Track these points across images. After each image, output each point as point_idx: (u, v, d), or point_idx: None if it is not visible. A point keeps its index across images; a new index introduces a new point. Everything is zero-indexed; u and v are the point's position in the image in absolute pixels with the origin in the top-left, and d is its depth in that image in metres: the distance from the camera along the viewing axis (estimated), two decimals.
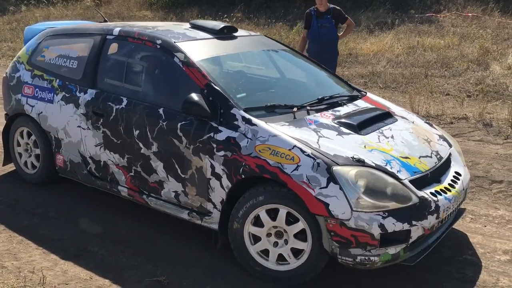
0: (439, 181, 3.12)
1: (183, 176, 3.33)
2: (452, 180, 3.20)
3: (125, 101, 3.61)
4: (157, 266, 3.25)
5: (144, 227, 3.75)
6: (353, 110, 3.51)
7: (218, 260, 3.31)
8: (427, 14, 12.37)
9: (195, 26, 4.02)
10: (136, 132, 3.52)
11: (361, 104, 3.71)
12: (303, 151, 2.87)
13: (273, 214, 2.98)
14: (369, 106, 3.71)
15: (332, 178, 2.76)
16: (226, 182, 3.11)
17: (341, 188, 2.73)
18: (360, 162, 2.86)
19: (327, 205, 2.73)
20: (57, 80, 4.09)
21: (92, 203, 4.11)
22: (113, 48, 3.91)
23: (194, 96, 3.17)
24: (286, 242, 2.98)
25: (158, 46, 3.61)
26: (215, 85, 3.26)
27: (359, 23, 11.78)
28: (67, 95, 3.97)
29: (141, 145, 3.51)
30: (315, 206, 2.76)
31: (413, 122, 3.67)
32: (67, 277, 3.13)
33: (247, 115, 3.11)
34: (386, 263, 2.81)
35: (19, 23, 14.43)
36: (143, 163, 3.54)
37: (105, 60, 3.90)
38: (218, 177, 3.14)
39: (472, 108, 6.49)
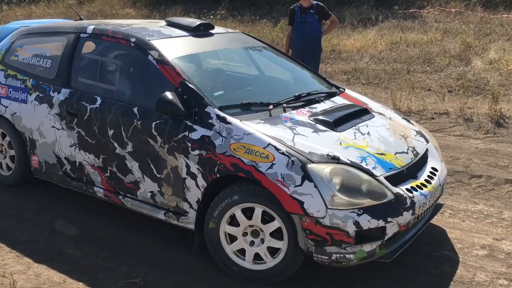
0: (415, 177, 3.11)
1: (158, 176, 3.29)
2: (428, 176, 3.19)
3: (99, 101, 3.55)
4: (133, 268, 3.21)
5: (120, 228, 3.70)
6: (330, 107, 3.49)
7: (195, 261, 3.26)
8: (411, 10, 12.41)
9: (171, 24, 3.96)
10: (110, 132, 3.46)
11: (338, 100, 3.68)
12: (277, 149, 2.84)
13: (248, 213, 2.95)
14: (347, 102, 3.68)
15: (307, 176, 2.73)
16: (201, 181, 3.07)
17: (315, 186, 2.70)
18: (335, 160, 2.83)
19: (302, 203, 2.70)
20: (31, 80, 4.02)
21: (68, 204, 4.04)
22: (87, 46, 3.85)
23: (168, 95, 3.12)
24: (262, 241, 2.95)
25: (133, 44, 3.55)
26: (189, 83, 3.22)
27: (343, 19, 11.78)
28: (40, 95, 3.90)
29: (116, 145, 3.46)
30: (290, 205, 2.73)
31: (390, 118, 3.65)
32: (39, 281, 3.07)
33: (221, 113, 3.07)
34: (362, 261, 2.79)
35: (0, 22, 14.22)
36: (119, 163, 3.48)
37: (79, 59, 3.83)
38: (193, 177, 3.10)
39: (453, 103, 6.51)
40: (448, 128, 5.85)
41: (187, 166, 3.11)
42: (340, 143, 3.01)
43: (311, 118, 3.21)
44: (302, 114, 3.26)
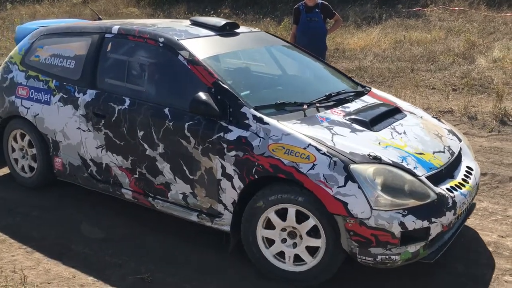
0: (452, 177, 3.09)
1: (191, 177, 3.24)
2: (465, 175, 3.17)
3: (127, 102, 3.50)
4: (142, 264, 3.21)
5: (135, 226, 3.68)
6: (362, 106, 3.45)
7: (208, 258, 3.27)
8: (414, 9, 12.41)
9: (196, 23, 3.92)
10: (140, 133, 3.42)
11: (368, 99, 3.65)
12: (318, 150, 2.80)
13: (283, 214, 2.91)
14: (377, 101, 3.66)
15: (350, 177, 2.70)
16: (238, 182, 3.03)
17: (359, 187, 2.67)
18: (377, 160, 2.80)
19: (345, 204, 2.67)
20: (54, 81, 3.96)
21: (78, 202, 4.05)
22: (112, 46, 3.79)
23: (202, 95, 3.08)
24: (299, 241, 2.91)
25: (161, 44, 3.50)
26: (223, 83, 3.18)
27: (347, 18, 11.77)
28: (65, 96, 3.84)
29: (146, 146, 3.41)
30: (333, 206, 2.70)
31: (421, 117, 3.63)
32: (49, 276, 3.07)
33: (258, 114, 3.03)
34: (407, 261, 2.76)
35: (4, 21, 14.11)
36: (149, 164, 3.43)
37: (104, 60, 3.78)
38: (229, 178, 3.06)
39: (457, 101, 6.52)
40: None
41: (223, 167, 3.07)
42: (379, 143, 2.98)
43: (346, 118, 3.18)
44: (337, 114, 3.23)
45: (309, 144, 2.83)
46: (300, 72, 4.20)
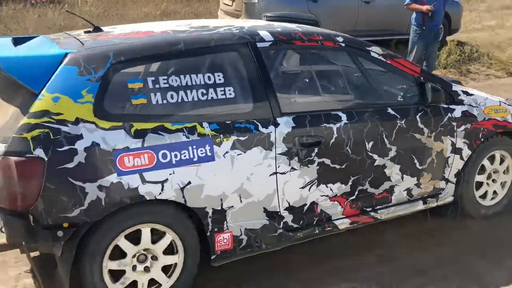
0: None
1: (420, 167, 3.27)
2: None
3: (343, 115, 2.93)
4: None
5: None
6: None
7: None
8: None
9: (286, 19, 3.43)
10: (369, 145, 3.02)
11: None
12: (504, 103, 3.65)
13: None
14: None
15: None
16: (466, 152, 3.41)
17: None
18: None
19: None
20: (205, 124, 2.58)
21: None
22: (278, 57, 2.89)
23: (433, 85, 3.18)
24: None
25: (343, 44, 3.06)
26: (425, 71, 3.32)
27: None
28: (242, 138, 2.64)
29: (375, 157, 3.06)
30: None
31: None
32: None
33: (464, 88, 3.45)
34: None
35: None
36: (374, 176, 3.11)
37: (276, 75, 2.84)
38: (458, 151, 3.38)
39: None
40: None
41: (453, 144, 3.35)
42: None
43: None
44: None
45: (499, 101, 3.62)
46: None
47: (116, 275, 2.55)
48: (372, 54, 3.15)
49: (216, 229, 2.69)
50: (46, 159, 2.27)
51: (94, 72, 2.44)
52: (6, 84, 2.49)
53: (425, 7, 5.79)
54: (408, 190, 3.28)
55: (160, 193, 2.47)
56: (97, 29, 2.93)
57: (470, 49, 8.52)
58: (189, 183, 2.54)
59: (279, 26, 3.17)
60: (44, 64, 2.41)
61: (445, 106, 3.31)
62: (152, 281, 2.63)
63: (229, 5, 8.29)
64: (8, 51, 2.60)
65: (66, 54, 2.47)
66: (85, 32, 2.91)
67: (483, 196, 3.64)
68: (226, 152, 2.61)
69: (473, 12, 12.62)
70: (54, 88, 2.36)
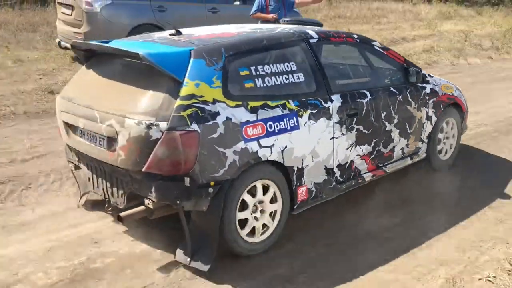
0: None
1: (409, 131, 4.41)
2: None
3: (367, 93, 3.92)
4: None
5: None
6: None
7: None
8: None
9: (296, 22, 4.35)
10: (383, 114, 4.05)
11: None
12: (448, 82, 4.96)
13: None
14: None
15: None
16: (434, 118, 4.64)
17: None
18: None
19: None
20: (290, 101, 3.37)
21: None
22: (323, 50, 3.76)
23: (415, 69, 4.34)
24: None
25: (358, 40, 4.05)
26: (406, 59, 4.46)
27: None
28: (313, 111, 3.48)
29: (386, 124, 4.11)
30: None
31: None
32: None
33: (426, 73, 4.67)
34: None
35: None
36: (385, 139, 4.16)
37: (326, 64, 3.73)
38: (429, 118, 4.59)
39: None
40: None
41: (426, 113, 4.55)
42: None
43: None
44: None
45: (447, 81, 4.93)
46: None
47: (240, 224, 3.22)
48: (375, 47, 4.20)
49: (298, 184, 3.48)
50: (199, 131, 2.88)
51: (216, 63, 3.10)
52: (145, 76, 3.02)
53: (270, 16, 6.05)
54: (402, 149, 4.38)
55: (270, 155, 3.21)
56: (178, 32, 3.54)
57: None
58: (286, 147, 3.31)
59: (298, 27, 4.07)
60: (180, 59, 3.01)
61: (421, 85, 4.49)
62: (263, 226, 3.34)
63: (68, 15, 8.07)
64: (144, 49, 3.10)
65: (190, 51, 3.09)
66: (170, 34, 3.51)
67: (440, 152, 4.91)
68: (305, 122, 3.43)
69: None
70: (193, 76, 2.98)
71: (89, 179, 3.45)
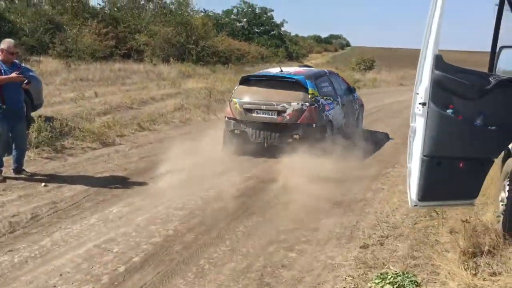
0: None
1: (355, 117, 9.63)
2: None
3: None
4: None
5: None
6: None
7: None
8: None
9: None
10: (354, 107, 9.20)
11: None
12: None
13: None
14: None
15: None
16: (358, 110, 9.98)
17: None
18: None
19: None
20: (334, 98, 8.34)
21: None
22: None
23: (352, 87, 9.67)
24: None
25: (328, 73, 9.23)
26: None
27: None
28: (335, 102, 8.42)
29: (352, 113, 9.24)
30: None
31: None
32: None
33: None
34: None
35: None
36: (351, 121, 9.28)
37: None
38: (357, 110, 9.88)
39: None
40: None
41: (356, 108, 9.83)
42: None
43: None
44: None
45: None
46: None
47: None
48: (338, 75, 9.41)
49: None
50: (316, 106, 7.64)
51: (313, 81, 7.91)
52: (293, 87, 7.68)
53: (14, 75, 5.60)
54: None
55: (331, 117, 8.07)
56: (306, 66, 8.61)
57: (60, 123, 8.38)
58: (332, 115, 8.18)
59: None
60: (303, 80, 7.75)
61: (354, 94, 9.72)
62: None
63: None
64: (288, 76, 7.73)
65: (304, 77, 7.84)
66: (300, 66, 8.75)
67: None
68: (335, 106, 8.41)
69: (50, 85, 12.95)
70: (309, 86, 7.72)
71: (252, 135, 7.64)
